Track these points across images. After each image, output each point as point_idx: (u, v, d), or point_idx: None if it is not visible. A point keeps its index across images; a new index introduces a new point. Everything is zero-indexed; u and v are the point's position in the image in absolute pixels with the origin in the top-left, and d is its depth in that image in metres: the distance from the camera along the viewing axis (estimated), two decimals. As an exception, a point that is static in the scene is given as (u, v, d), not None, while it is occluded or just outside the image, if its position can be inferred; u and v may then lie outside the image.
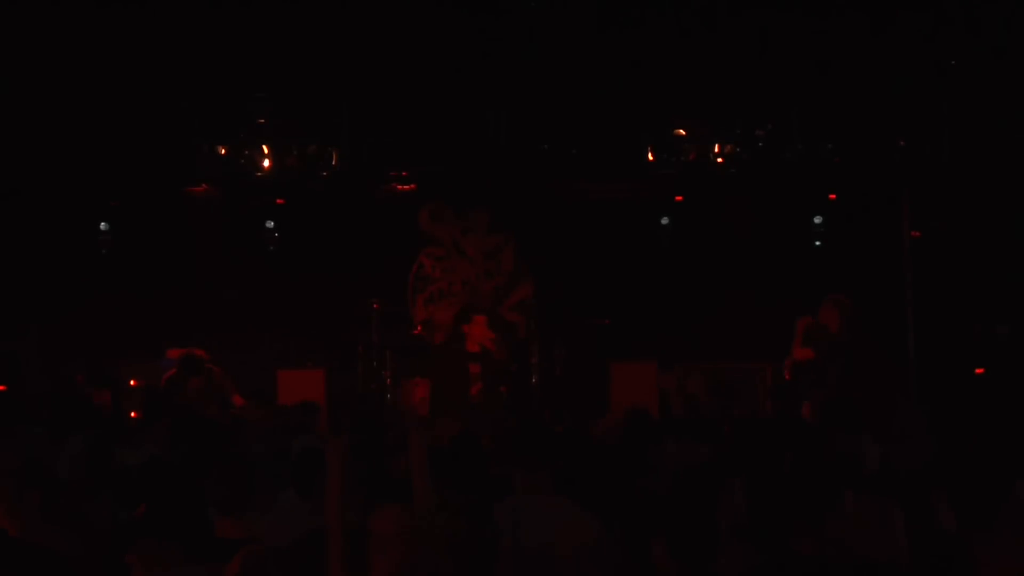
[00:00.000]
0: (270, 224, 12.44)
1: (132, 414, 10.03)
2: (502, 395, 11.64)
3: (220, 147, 10.46)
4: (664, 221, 12.65)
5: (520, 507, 5.67)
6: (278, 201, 12.39)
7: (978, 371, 8.70)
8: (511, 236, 13.31)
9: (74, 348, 12.16)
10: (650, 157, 10.59)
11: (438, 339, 12.29)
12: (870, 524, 4.86)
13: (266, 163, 10.48)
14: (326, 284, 12.66)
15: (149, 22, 8.66)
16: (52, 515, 5.07)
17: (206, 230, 12.79)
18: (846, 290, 12.45)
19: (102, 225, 12.00)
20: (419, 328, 12.40)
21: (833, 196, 12.41)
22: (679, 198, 12.92)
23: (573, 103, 10.22)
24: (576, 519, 5.33)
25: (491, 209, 13.07)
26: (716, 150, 10.65)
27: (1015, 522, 4.94)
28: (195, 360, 10.73)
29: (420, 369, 11.89)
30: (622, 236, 12.92)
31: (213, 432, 6.96)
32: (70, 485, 5.97)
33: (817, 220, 12.53)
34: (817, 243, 12.58)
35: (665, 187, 12.54)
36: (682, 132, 10.47)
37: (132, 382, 11.39)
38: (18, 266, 11.81)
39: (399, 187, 11.87)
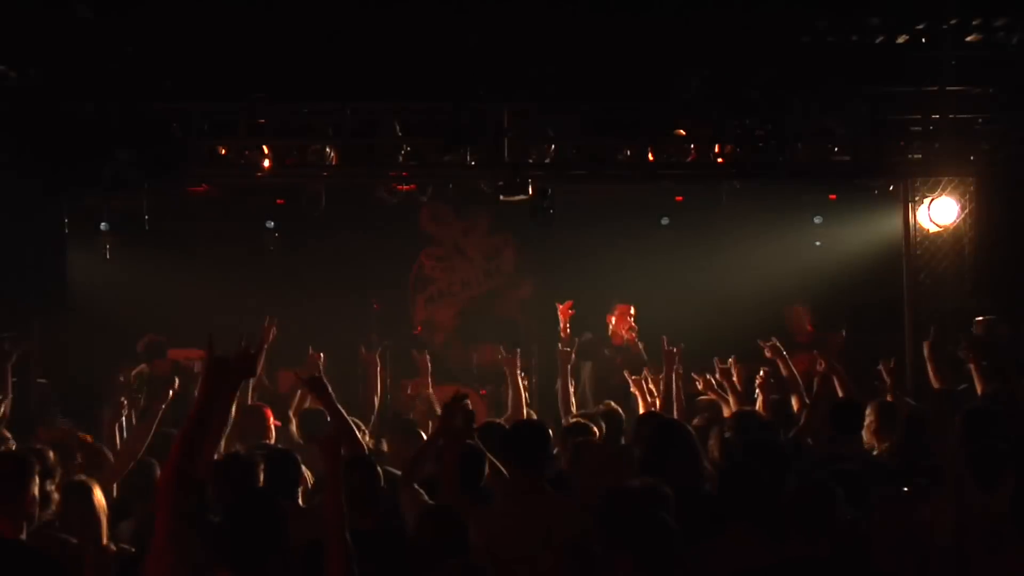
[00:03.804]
0: (270, 224, 12.42)
1: None
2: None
3: (220, 147, 10.44)
4: (664, 221, 12.64)
5: (516, 506, 5.69)
6: (278, 201, 12.38)
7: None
8: (511, 237, 13.33)
9: (74, 348, 12.17)
10: (650, 157, 10.57)
11: (438, 339, 12.31)
12: (892, 525, 4.83)
13: (266, 163, 10.46)
14: (325, 284, 12.64)
15: (150, 21, 8.67)
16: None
17: (206, 230, 12.79)
18: (846, 290, 12.49)
19: (103, 225, 12.00)
20: (419, 328, 12.42)
21: (833, 196, 12.42)
22: (679, 198, 12.93)
23: (572, 102, 10.21)
24: (572, 518, 5.33)
25: (491, 210, 13.09)
26: (716, 150, 10.63)
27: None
28: (157, 345, 10.70)
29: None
30: (622, 236, 12.93)
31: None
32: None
33: (817, 220, 12.51)
34: (817, 243, 12.57)
35: (665, 187, 12.54)
36: (682, 132, 10.45)
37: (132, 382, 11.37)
38: (18, 266, 11.80)
39: (399, 187, 11.86)
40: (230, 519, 4.28)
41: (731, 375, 9.13)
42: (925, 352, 9.17)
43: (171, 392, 7.49)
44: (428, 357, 9.60)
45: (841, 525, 4.64)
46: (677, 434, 6.29)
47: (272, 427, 8.28)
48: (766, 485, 5.42)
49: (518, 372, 9.00)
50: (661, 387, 8.98)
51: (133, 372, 10.49)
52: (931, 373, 9.03)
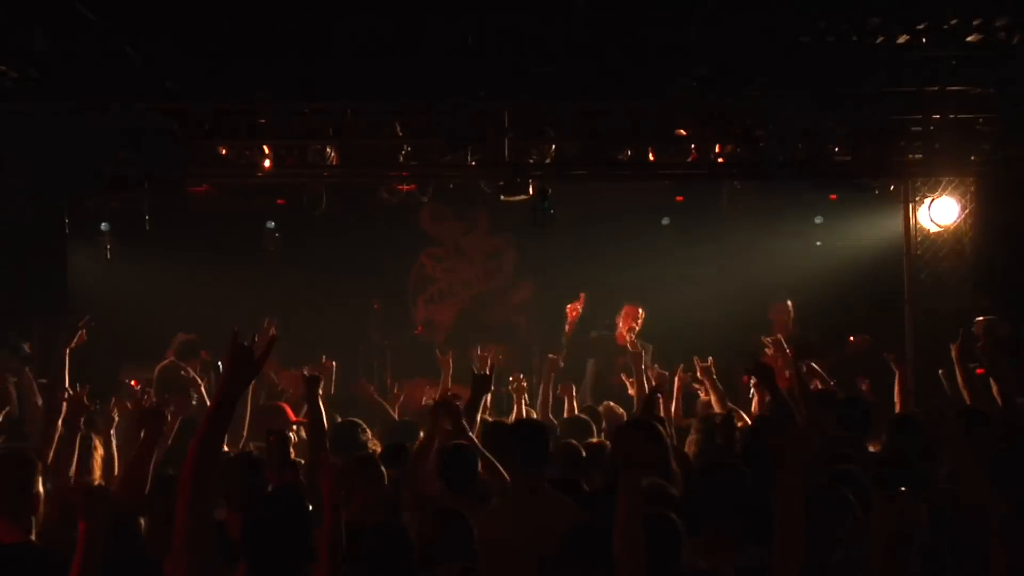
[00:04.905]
0: (270, 224, 12.43)
1: None
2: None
3: (220, 147, 10.45)
4: (664, 221, 12.65)
5: (517, 507, 5.69)
6: (278, 201, 12.38)
7: (979, 371, 8.66)
8: (511, 237, 13.32)
9: (74, 348, 12.13)
10: (650, 157, 10.58)
11: (439, 339, 12.31)
12: (892, 525, 4.81)
13: (266, 163, 10.46)
14: (326, 284, 12.64)
15: (150, 21, 8.67)
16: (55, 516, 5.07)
17: (206, 230, 12.78)
18: (846, 290, 12.50)
19: (103, 225, 12.01)
20: (420, 328, 12.42)
21: (833, 196, 12.42)
22: (679, 198, 12.94)
23: (573, 103, 10.22)
24: (573, 518, 5.33)
25: (492, 210, 13.10)
26: (716, 150, 10.65)
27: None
28: (190, 344, 10.71)
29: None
30: (622, 236, 12.93)
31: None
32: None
33: (817, 220, 12.51)
34: (817, 243, 12.57)
35: (665, 187, 12.55)
36: (682, 132, 10.47)
37: (132, 382, 11.39)
38: (18, 266, 11.80)
39: (399, 187, 11.87)
40: (253, 517, 4.27)
41: (711, 373, 9.19)
42: (953, 355, 8.38)
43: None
44: (450, 358, 9.72)
45: (852, 530, 4.64)
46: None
47: (291, 425, 8.28)
48: (734, 489, 5.37)
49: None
50: (637, 387, 9.13)
51: (156, 369, 10.50)
52: (960, 382, 8.25)
